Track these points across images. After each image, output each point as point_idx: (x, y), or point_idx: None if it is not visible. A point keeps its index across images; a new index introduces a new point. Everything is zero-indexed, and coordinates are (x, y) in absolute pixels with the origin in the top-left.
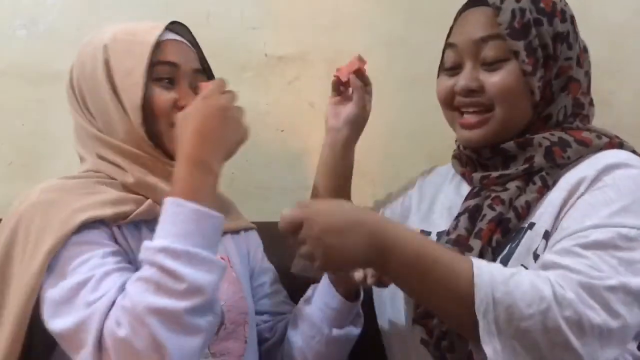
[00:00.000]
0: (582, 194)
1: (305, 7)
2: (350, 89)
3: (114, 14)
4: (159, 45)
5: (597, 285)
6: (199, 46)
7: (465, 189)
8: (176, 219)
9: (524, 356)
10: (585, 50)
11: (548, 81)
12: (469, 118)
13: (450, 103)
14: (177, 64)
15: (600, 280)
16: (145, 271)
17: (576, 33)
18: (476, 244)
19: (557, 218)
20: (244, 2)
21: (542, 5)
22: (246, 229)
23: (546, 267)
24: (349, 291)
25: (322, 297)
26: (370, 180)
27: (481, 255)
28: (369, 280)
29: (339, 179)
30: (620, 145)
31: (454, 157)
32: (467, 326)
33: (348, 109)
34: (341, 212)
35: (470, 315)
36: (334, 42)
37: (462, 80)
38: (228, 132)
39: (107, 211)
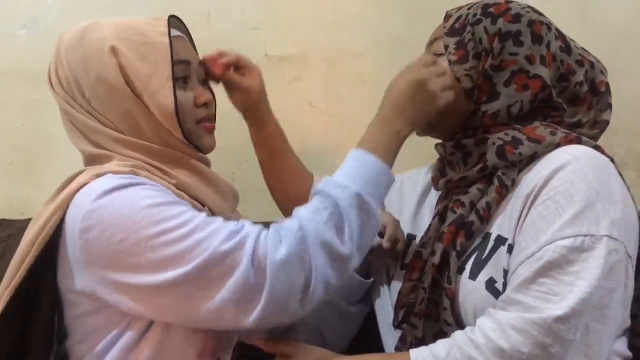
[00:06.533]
0: (534, 204)
1: (305, 7)
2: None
3: (113, 13)
4: (170, 44)
5: (547, 319)
6: (191, 36)
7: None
8: (353, 165)
9: None
10: (562, 52)
11: (482, 72)
12: None
13: None
14: (189, 61)
15: (551, 312)
16: (328, 207)
17: (536, 35)
18: (438, 246)
19: (516, 230)
20: (244, 2)
21: (490, 9)
22: None
23: (505, 303)
24: (364, 268)
25: None
26: None
27: (444, 257)
28: (385, 245)
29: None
30: (577, 140)
31: (437, 159)
32: None
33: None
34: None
35: None
36: (334, 42)
37: None
38: (416, 104)
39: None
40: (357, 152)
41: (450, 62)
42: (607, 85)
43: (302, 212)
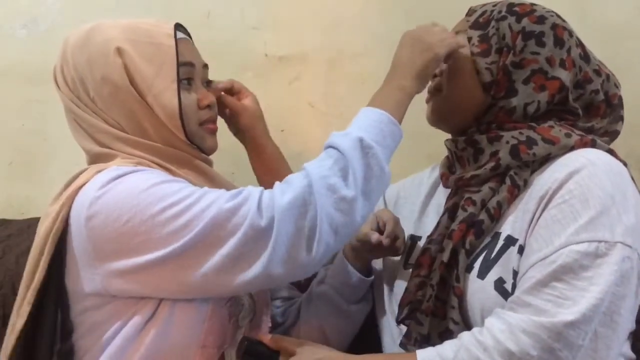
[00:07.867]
0: (549, 207)
1: (305, 7)
2: None
3: (113, 13)
4: (176, 46)
5: (558, 324)
6: (192, 40)
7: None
8: (356, 119)
9: None
10: (581, 59)
11: (502, 67)
12: (428, 98)
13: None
14: (194, 64)
15: (562, 317)
16: (332, 155)
17: (559, 39)
18: (447, 244)
19: (528, 232)
20: (244, 2)
21: (516, 9)
22: None
23: (515, 305)
24: (365, 266)
25: (337, 276)
26: None
27: (453, 255)
28: (385, 241)
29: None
30: (592, 143)
31: (446, 157)
32: None
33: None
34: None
35: None
36: (334, 42)
37: None
38: (414, 56)
39: None
40: (361, 110)
41: (472, 53)
42: (620, 98)
43: (308, 164)
